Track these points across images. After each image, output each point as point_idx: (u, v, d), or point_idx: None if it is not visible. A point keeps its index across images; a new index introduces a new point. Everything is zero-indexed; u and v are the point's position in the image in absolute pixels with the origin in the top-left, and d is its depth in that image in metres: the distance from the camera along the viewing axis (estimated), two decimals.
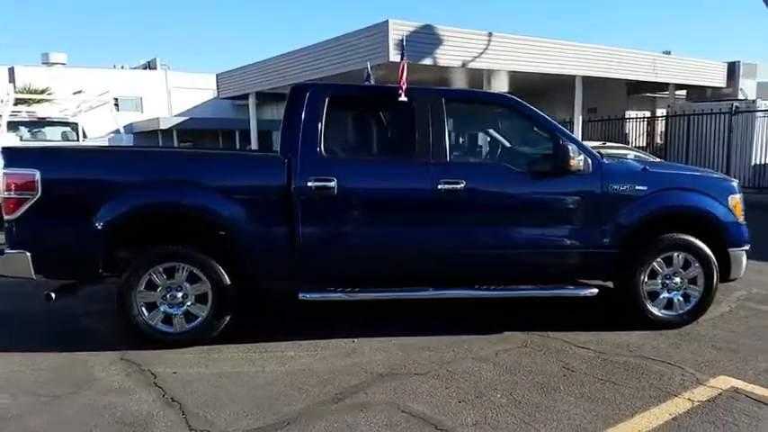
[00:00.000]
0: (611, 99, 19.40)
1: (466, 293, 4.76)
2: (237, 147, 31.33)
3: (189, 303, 4.48)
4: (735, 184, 5.18)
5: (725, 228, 4.95)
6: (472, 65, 12.20)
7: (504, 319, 5.10)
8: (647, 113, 20.80)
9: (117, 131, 12.63)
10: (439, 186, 4.54)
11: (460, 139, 4.96)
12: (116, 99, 18.27)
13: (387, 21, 10.94)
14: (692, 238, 4.88)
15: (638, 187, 4.80)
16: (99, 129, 14.55)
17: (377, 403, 3.55)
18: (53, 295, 4.38)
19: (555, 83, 15.80)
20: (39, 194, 4.21)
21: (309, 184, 4.43)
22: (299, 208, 4.44)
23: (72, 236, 4.32)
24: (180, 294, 4.45)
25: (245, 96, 19.66)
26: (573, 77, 15.10)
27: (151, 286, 4.42)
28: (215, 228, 4.44)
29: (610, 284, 5.20)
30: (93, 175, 4.35)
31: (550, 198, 4.74)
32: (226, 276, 4.44)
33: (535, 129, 4.89)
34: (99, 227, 4.26)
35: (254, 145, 19.66)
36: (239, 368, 4.11)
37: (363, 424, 3.29)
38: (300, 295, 4.57)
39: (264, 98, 23.04)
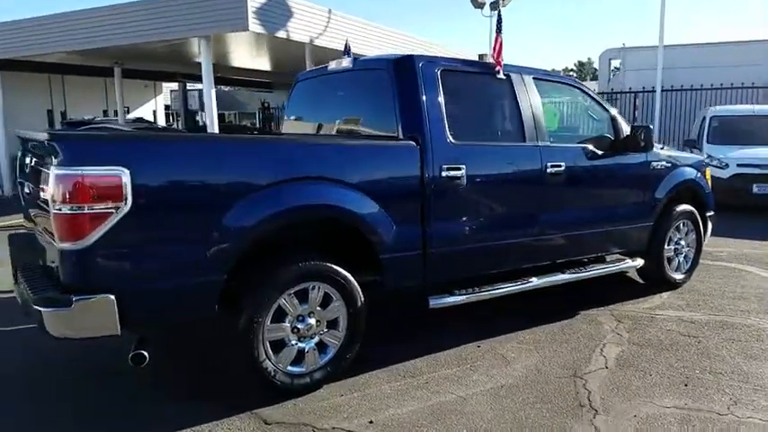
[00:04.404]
0: None
1: (559, 279, 4.67)
2: None
3: (322, 332, 3.49)
4: (704, 159, 6.09)
5: (707, 196, 5.82)
6: (317, 42, 11.57)
7: (559, 301, 5.12)
8: None
9: None
10: (547, 170, 4.36)
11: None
12: None
13: None
14: (692, 207, 5.61)
15: (666, 164, 5.31)
16: None
17: (617, 412, 3.32)
18: (146, 354, 2.96)
19: None
20: (128, 206, 2.77)
21: (443, 173, 3.82)
22: (432, 201, 3.80)
23: (180, 263, 2.96)
24: (314, 322, 3.43)
25: None
26: None
27: (279, 317, 3.31)
28: (354, 234, 3.52)
29: None
30: (209, 174, 3.01)
31: (623, 177, 4.96)
32: (361, 293, 3.57)
33: (595, 109, 5.01)
34: (217, 246, 3.02)
35: None
36: (431, 400, 3.37)
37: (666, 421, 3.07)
38: (432, 302, 3.94)
39: None
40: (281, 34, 10.71)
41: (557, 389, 3.51)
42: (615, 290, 5.50)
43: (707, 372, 3.77)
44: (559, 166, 4.41)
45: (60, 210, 2.70)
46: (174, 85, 32.73)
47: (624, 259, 5.20)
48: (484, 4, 33.39)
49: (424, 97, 3.84)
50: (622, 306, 5.08)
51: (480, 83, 4.30)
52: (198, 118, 32.27)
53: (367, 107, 4.28)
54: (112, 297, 2.76)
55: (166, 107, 35.67)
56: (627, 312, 4.92)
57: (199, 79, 23.12)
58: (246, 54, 16.09)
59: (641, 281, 5.71)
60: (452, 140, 3.89)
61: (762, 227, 8.82)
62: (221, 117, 25.62)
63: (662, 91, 15.58)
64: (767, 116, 11.22)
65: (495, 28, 4.37)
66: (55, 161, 2.71)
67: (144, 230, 2.85)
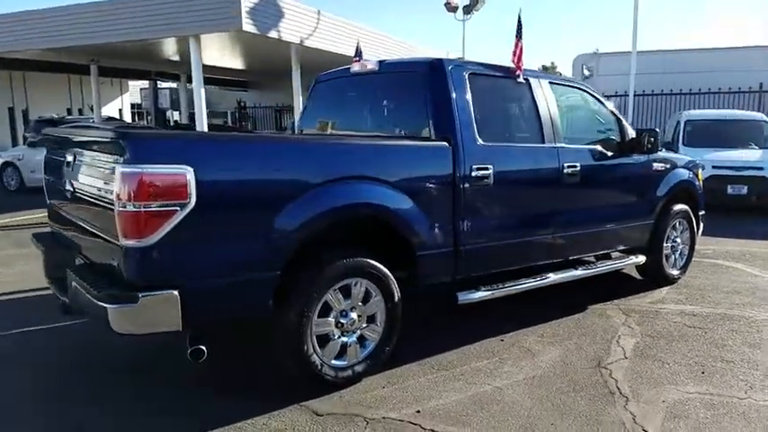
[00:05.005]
0: None
1: (573, 275, 4.88)
2: None
3: (362, 326, 3.60)
4: (697, 160, 6.40)
5: (700, 196, 6.13)
6: (307, 43, 11.61)
7: (567, 297, 5.31)
8: None
9: None
10: (565, 170, 4.55)
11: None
12: None
13: None
14: (687, 207, 5.90)
15: (665, 165, 5.58)
16: None
17: (647, 398, 3.53)
18: (205, 349, 3.03)
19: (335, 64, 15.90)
20: (192, 204, 2.84)
21: (473, 173, 3.98)
22: (462, 199, 3.95)
23: (239, 260, 3.04)
24: (356, 316, 3.55)
25: None
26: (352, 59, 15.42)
27: (325, 312, 3.42)
28: (393, 231, 3.65)
29: None
30: (267, 172, 3.11)
31: (630, 177, 5.22)
32: (398, 289, 3.70)
33: (602, 113, 5.24)
34: (274, 243, 3.12)
35: None
36: (470, 391, 3.52)
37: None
38: (461, 298, 4.08)
39: None
40: (273, 34, 10.74)
41: (586, 378, 3.70)
42: (617, 286, 5.74)
43: (719, 360, 4.01)
44: (575, 166, 4.61)
45: (125, 207, 2.75)
46: (143, 83, 32.16)
47: (628, 256, 5.45)
48: (457, 7, 33.86)
49: (454, 100, 3.98)
50: (627, 301, 5.32)
51: (503, 86, 4.47)
52: (168, 117, 31.81)
53: (396, 109, 4.40)
54: (176, 293, 2.83)
55: (137, 105, 35.07)
56: (632, 307, 5.16)
57: (171, 77, 22.87)
58: (223, 53, 15.98)
59: (639, 277, 5.97)
60: (481, 141, 4.05)
61: (738, 225, 9.25)
62: (192, 117, 25.30)
63: (635, 96, 16.10)
64: (738, 120, 11.76)
65: (515, 33, 4.54)
66: (121, 159, 2.76)
67: (206, 228, 2.91)
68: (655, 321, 4.78)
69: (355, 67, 4.68)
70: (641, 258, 5.49)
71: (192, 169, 2.82)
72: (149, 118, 30.10)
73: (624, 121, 5.20)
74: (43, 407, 3.37)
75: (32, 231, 4.47)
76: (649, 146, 5.07)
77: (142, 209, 2.74)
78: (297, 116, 13.80)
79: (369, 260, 3.53)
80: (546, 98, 4.59)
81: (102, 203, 3.02)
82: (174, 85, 29.33)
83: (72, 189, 3.45)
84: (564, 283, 4.90)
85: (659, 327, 4.65)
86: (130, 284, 2.82)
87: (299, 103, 13.58)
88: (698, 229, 6.17)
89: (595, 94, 5.22)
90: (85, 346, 4.24)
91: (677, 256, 5.93)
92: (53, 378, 3.75)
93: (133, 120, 35.36)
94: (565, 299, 5.23)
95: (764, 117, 12.03)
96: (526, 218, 4.41)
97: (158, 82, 27.49)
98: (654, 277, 5.79)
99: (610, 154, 4.98)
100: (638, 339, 4.38)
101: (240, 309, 3.16)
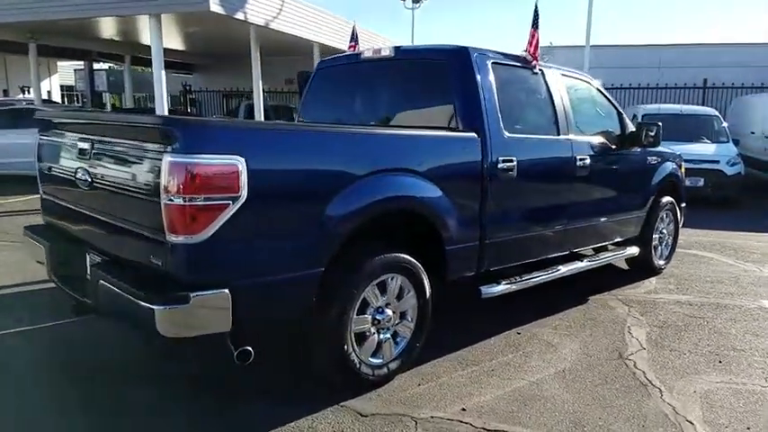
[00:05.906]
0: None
1: (580, 267, 4.92)
2: None
3: (396, 323, 3.50)
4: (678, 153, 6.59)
5: (683, 189, 6.33)
6: (272, 25, 11.18)
7: (567, 288, 5.34)
8: None
9: None
10: (577, 162, 4.58)
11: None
12: None
13: None
14: (672, 199, 6.08)
15: (657, 158, 5.72)
16: None
17: (678, 389, 3.61)
18: (251, 351, 2.85)
19: (293, 48, 15.50)
20: (243, 197, 2.65)
21: (499, 165, 3.93)
22: (488, 192, 3.90)
23: (289, 256, 2.88)
24: (391, 313, 3.44)
25: None
26: (312, 43, 15.04)
27: (362, 309, 3.29)
28: (429, 225, 3.55)
29: None
30: (317, 164, 2.95)
31: (630, 169, 5.31)
32: (429, 284, 3.61)
33: (605, 105, 5.29)
34: (322, 237, 2.97)
35: None
36: (508, 386, 3.48)
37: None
38: (484, 291, 4.03)
39: None
40: (239, 15, 10.33)
41: (613, 371, 3.73)
42: (607, 277, 5.85)
43: (730, 349, 4.14)
44: (585, 158, 4.64)
45: (173, 201, 2.53)
46: (76, 64, 30.46)
47: (623, 247, 5.56)
48: None
49: (481, 90, 3.90)
50: (622, 291, 5.44)
51: (521, 77, 4.42)
52: (105, 100, 30.28)
53: (415, 98, 4.28)
54: (227, 292, 2.64)
55: (68, 88, 33.22)
56: (630, 297, 5.27)
57: (115, 58, 21.75)
58: (170, 33, 15.23)
59: (625, 267, 6.11)
60: (506, 132, 3.99)
61: (698, 216, 9.57)
62: (137, 100, 24.22)
63: None
64: (693, 115, 12.25)
65: (530, 23, 4.49)
66: (169, 148, 2.54)
67: (257, 223, 2.73)
68: (656, 312, 4.90)
69: (366, 53, 4.52)
70: (635, 249, 5.61)
71: (243, 160, 2.63)
72: (84, 101, 28.57)
73: (624, 115, 5.28)
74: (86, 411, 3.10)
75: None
76: (650, 139, 5.17)
77: (192, 203, 2.54)
78: (256, 101, 13.40)
79: (404, 255, 3.42)
80: (559, 90, 4.59)
81: (138, 196, 2.77)
82: (106, 66, 27.90)
83: (89, 179, 3.16)
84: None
85: (662, 317, 4.77)
86: (175, 284, 2.61)
87: (259, 87, 13.19)
88: (681, 220, 6.37)
89: (599, 87, 5.27)
90: (103, 347, 3.96)
91: (663, 247, 6.11)
92: (83, 381, 3.48)
93: (63, 102, 33.48)
94: (565, 290, 5.27)
95: (715, 112, 12.61)
96: (543, 210, 4.40)
97: (93, 63, 26.05)
98: (643, 268, 5.94)
99: (614, 147, 5.05)
100: (647, 330, 4.47)
101: (287, 307, 3.00)
